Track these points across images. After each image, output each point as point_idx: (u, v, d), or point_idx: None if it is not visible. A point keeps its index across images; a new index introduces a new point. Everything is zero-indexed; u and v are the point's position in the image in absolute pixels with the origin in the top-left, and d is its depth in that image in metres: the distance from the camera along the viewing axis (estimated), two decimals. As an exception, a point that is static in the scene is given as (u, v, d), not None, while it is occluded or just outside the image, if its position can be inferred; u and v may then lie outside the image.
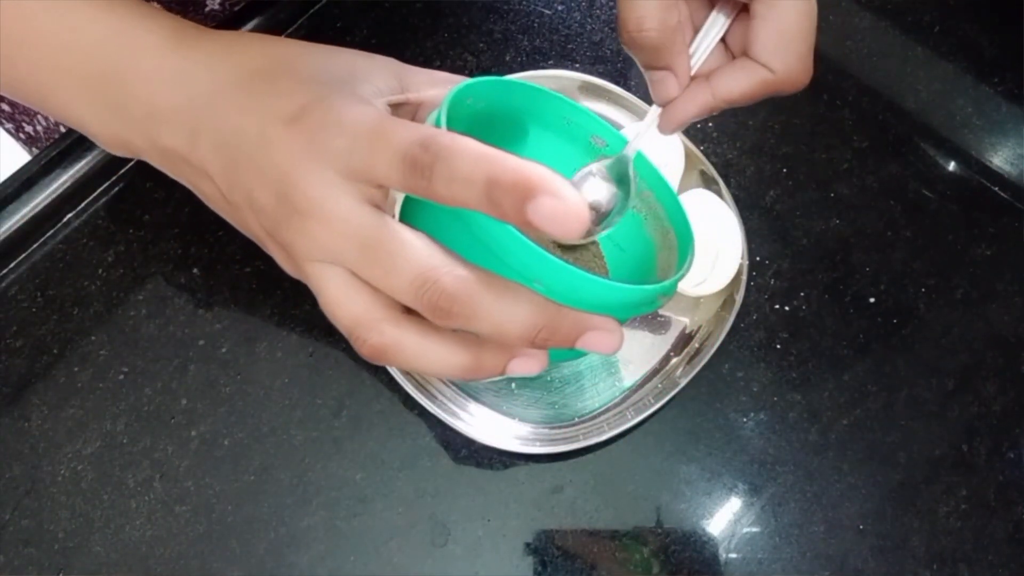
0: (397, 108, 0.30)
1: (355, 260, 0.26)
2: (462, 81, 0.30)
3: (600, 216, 0.35)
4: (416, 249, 0.25)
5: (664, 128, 0.36)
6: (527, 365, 0.28)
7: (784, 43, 0.31)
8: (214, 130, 0.28)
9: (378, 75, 0.30)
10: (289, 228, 0.27)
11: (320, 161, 0.26)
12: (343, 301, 0.27)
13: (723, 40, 0.34)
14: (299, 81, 0.28)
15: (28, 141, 0.62)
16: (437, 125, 0.27)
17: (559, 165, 0.35)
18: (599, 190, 0.35)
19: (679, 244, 0.36)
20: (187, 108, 0.28)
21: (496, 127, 0.33)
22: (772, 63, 0.31)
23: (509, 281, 0.26)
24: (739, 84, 0.32)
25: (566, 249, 0.39)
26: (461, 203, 0.24)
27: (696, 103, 0.34)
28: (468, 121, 0.30)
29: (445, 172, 0.24)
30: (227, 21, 0.52)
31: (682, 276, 0.33)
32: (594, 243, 0.40)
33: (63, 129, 0.57)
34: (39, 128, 0.59)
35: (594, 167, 0.36)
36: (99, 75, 0.29)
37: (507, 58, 0.54)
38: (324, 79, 0.28)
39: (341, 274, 0.26)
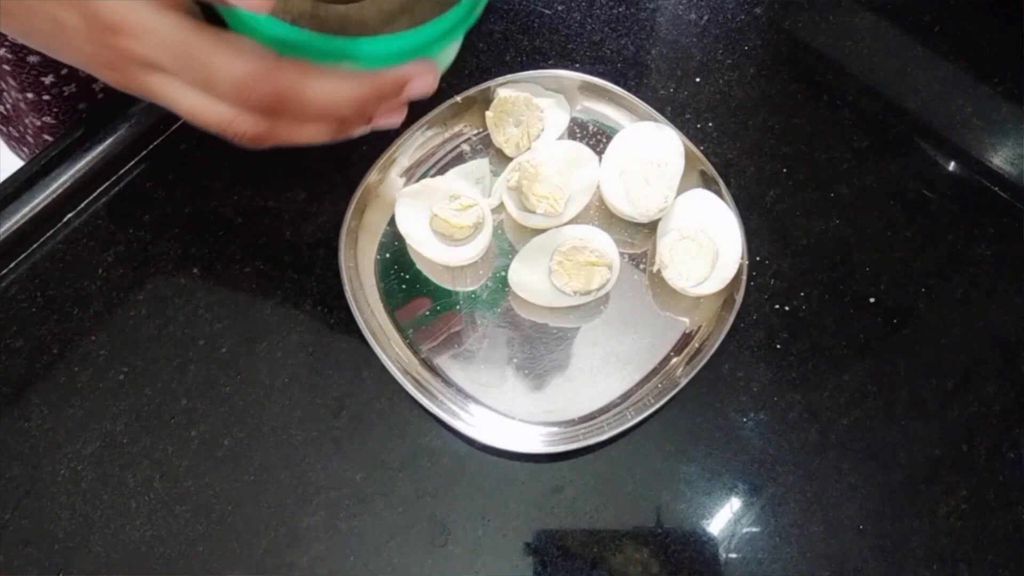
0: None
1: (178, 71, 0.26)
2: None
3: None
4: (229, 55, 0.26)
5: None
6: (391, 119, 0.30)
7: None
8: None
9: None
10: (106, 49, 0.26)
11: None
12: (200, 107, 0.27)
13: None
14: None
15: (17, 142, 0.62)
16: None
17: None
18: None
19: None
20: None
21: None
22: None
23: (324, 67, 0.27)
24: None
25: None
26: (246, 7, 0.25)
27: None
28: None
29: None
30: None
31: None
32: None
33: (47, 137, 0.57)
34: (24, 131, 0.59)
35: None
36: None
37: (507, 58, 0.54)
38: None
39: (183, 83, 0.27)
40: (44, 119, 0.56)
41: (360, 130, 0.31)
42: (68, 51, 0.28)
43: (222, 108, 0.27)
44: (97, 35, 0.26)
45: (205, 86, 0.26)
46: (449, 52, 0.35)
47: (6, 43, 0.50)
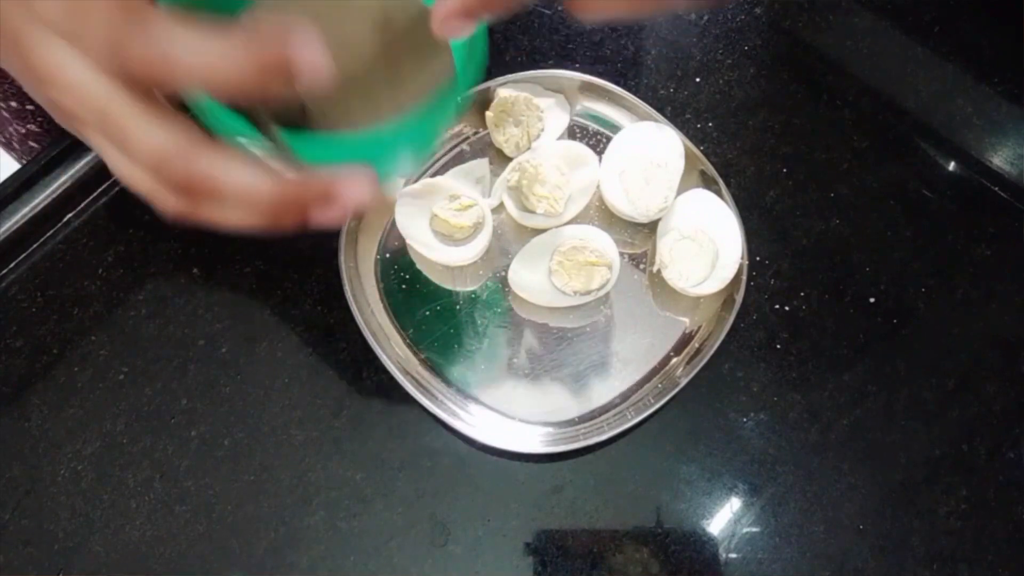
0: None
1: (101, 131, 0.25)
2: None
3: None
4: (145, 128, 0.25)
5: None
6: (325, 220, 0.27)
7: None
8: None
9: None
10: (38, 94, 0.26)
11: (42, 26, 0.25)
12: (124, 170, 0.26)
13: None
14: None
15: (6, 145, 0.62)
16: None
17: None
18: None
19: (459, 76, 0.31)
20: None
21: None
22: None
23: (245, 157, 0.25)
24: None
25: (415, 50, 0.33)
26: (192, 85, 0.23)
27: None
28: None
29: (162, 63, 0.23)
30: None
31: (432, 114, 0.28)
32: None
33: (35, 128, 0.57)
34: (9, 138, 0.59)
35: None
36: None
37: (507, 58, 0.54)
38: None
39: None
40: (28, 127, 0.56)
41: (296, 225, 0.28)
42: (26, 89, 0.28)
43: (145, 177, 0.26)
44: (34, 83, 0.26)
45: (124, 152, 0.25)
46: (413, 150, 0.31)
47: None
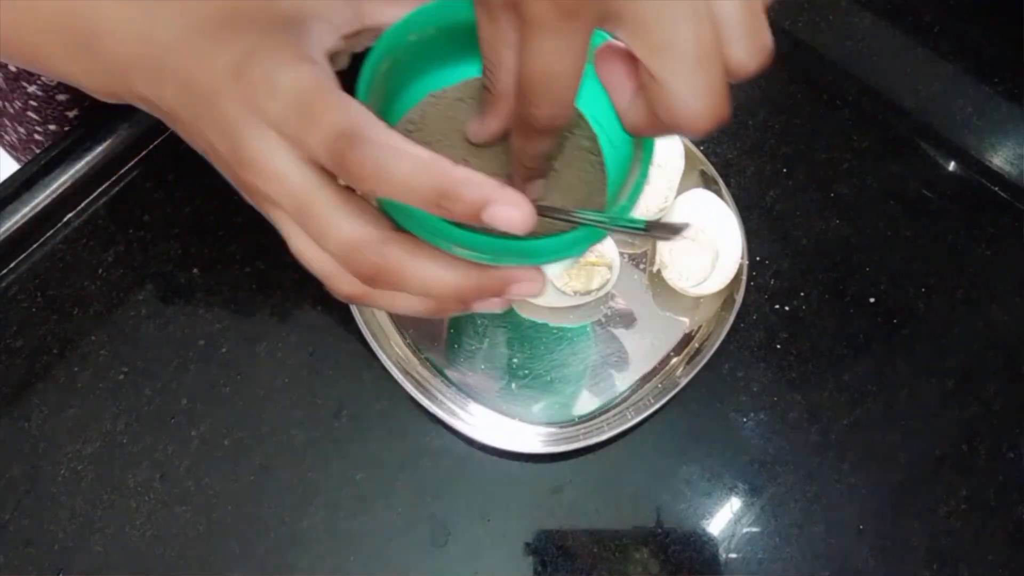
0: (355, 37, 0.30)
1: (295, 218, 0.27)
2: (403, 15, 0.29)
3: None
4: (341, 218, 0.26)
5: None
6: (489, 308, 0.30)
7: (662, 90, 0.24)
8: (175, 80, 0.28)
9: (331, 7, 0.30)
10: (242, 180, 0.28)
11: (259, 119, 0.26)
12: (307, 253, 0.28)
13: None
14: (247, 26, 0.28)
15: (11, 147, 0.62)
16: (360, 96, 0.27)
17: None
18: None
19: (640, 169, 0.31)
20: (151, 58, 0.29)
21: (464, 40, 0.31)
22: (656, 108, 0.25)
23: (433, 248, 0.27)
24: (635, 116, 0.27)
25: (577, 162, 0.34)
26: (398, 200, 0.25)
27: None
28: (418, 48, 0.30)
29: (375, 175, 0.24)
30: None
31: (617, 216, 0.29)
32: (589, 134, 0.35)
33: (39, 137, 0.57)
34: (13, 138, 0.59)
35: None
36: (71, 31, 0.29)
37: (507, 58, 0.54)
38: (273, 22, 0.28)
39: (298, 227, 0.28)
40: (34, 130, 0.56)
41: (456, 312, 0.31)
42: (216, 165, 0.30)
43: (326, 261, 0.28)
44: (235, 166, 0.27)
45: (316, 238, 0.27)
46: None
47: (37, 81, 0.52)
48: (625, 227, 0.29)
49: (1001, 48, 0.57)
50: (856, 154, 0.53)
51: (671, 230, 0.28)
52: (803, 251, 0.50)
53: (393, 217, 0.27)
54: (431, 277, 0.27)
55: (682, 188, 0.48)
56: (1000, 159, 0.54)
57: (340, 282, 0.28)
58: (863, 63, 0.56)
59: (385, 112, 0.32)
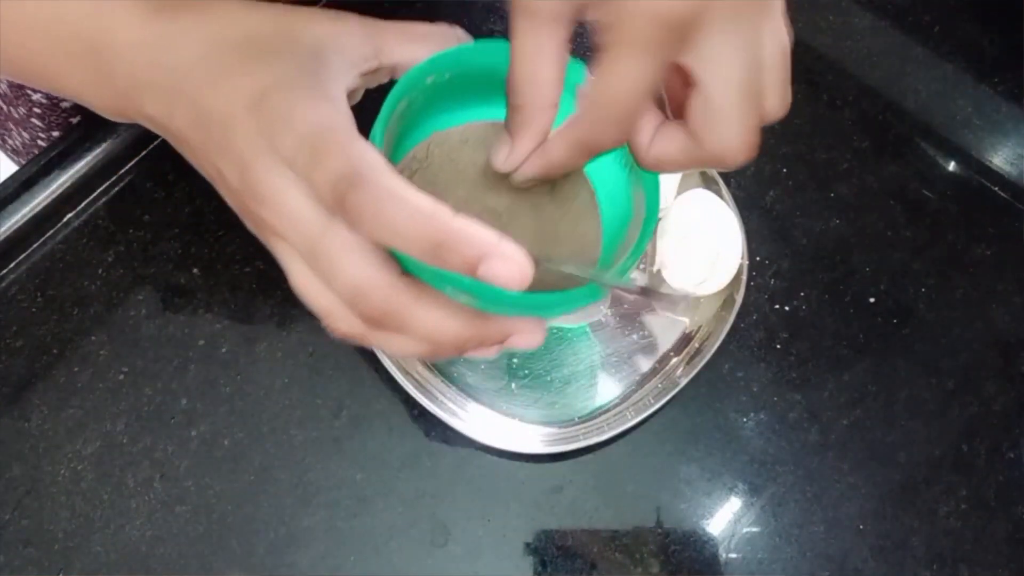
0: (372, 74, 0.30)
1: (304, 255, 0.27)
2: (417, 64, 0.29)
3: None
4: (350, 261, 0.26)
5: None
6: (484, 355, 0.30)
7: (718, 114, 0.27)
8: (188, 104, 0.28)
9: (351, 44, 0.30)
10: (249, 210, 0.28)
11: (273, 153, 0.26)
12: (309, 288, 0.28)
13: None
14: (268, 57, 0.28)
15: (14, 152, 0.62)
16: (376, 137, 0.28)
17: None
18: None
19: (641, 230, 0.32)
20: (164, 80, 0.29)
21: (474, 86, 0.32)
22: (702, 135, 0.27)
23: (438, 294, 0.27)
24: (664, 147, 0.29)
25: (556, 192, 0.35)
26: (395, 247, 0.25)
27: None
28: (432, 91, 0.31)
29: (373, 220, 0.25)
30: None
31: (617, 275, 0.30)
32: (587, 188, 0.36)
33: (42, 143, 0.57)
34: (17, 142, 0.59)
35: None
36: (84, 51, 0.29)
37: (507, 58, 0.54)
38: (294, 55, 0.28)
39: (302, 261, 0.28)
40: (37, 136, 0.56)
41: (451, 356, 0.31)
42: (222, 191, 0.30)
43: (329, 298, 0.28)
44: (245, 197, 0.27)
45: (324, 277, 0.27)
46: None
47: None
48: (625, 288, 0.29)
49: (1001, 48, 0.57)
50: (856, 154, 0.53)
51: (669, 301, 0.29)
52: (803, 251, 0.50)
53: (399, 259, 0.27)
54: (434, 324, 0.27)
55: (682, 188, 0.48)
56: (1000, 159, 0.54)
57: (340, 321, 0.28)
58: (863, 63, 0.56)
59: (394, 150, 0.32)
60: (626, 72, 0.25)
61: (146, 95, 0.29)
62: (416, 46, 0.30)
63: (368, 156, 0.25)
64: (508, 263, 0.24)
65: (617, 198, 0.34)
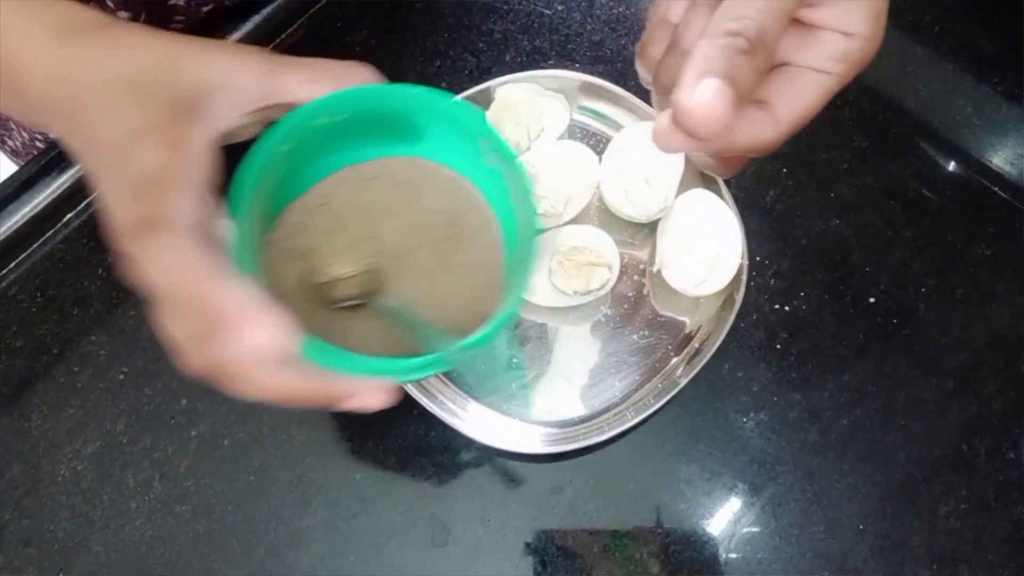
0: (266, 110, 0.31)
1: (160, 297, 0.28)
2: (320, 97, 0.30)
3: None
4: (211, 300, 0.27)
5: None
6: (337, 408, 0.31)
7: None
8: (82, 132, 0.29)
9: (240, 83, 0.30)
10: (122, 245, 0.28)
11: (115, 193, 0.27)
12: (167, 325, 0.28)
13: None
14: (144, 96, 0.28)
15: (13, 153, 0.62)
16: (242, 182, 0.29)
17: (452, 157, 0.34)
18: None
19: (507, 296, 0.32)
20: (64, 106, 0.29)
21: (377, 125, 0.33)
22: (853, 25, 0.26)
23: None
24: (805, 90, 0.27)
25: (456, 234, 0.35)
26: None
27: (749, 134, 0.28)
28: (331, 131, 0.31)
29: (148, 266, 0.26)
30: (225, 18, 0.52)
31: (472, 345, 0.30)
32: (492, 229, 0.35)
33: (40, 144, 0.57)
34: (17, 143, 0.59)
35: None
36: (2, 70, 0.30)
37: (507, 58, 0.54)
38: (170, 96, 0.28)
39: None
40: (36, 135, 0.56)
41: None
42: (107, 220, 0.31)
43: (183, 339, 0.28)
44: (116, 233, 0.28)
45: (169, 318, 0.28)
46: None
47: None
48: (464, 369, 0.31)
49: (1001, 48, 0.57)
50: (856, 154, 0.53)
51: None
52: (803, 251, 0.50)
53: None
54: (274, 381, 0.28)
55: (682, 188, 0.48)
56: (1000, 159, 0.54)
57: (190, 360, 0.28)
58: (863, 63, 0.56)
59: (288, 184, 0.33)
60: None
61: (51, 116, 0.30)
62: (318, 85, 0.30)
63: (182, 206, 0.27)
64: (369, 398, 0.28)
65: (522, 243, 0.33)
